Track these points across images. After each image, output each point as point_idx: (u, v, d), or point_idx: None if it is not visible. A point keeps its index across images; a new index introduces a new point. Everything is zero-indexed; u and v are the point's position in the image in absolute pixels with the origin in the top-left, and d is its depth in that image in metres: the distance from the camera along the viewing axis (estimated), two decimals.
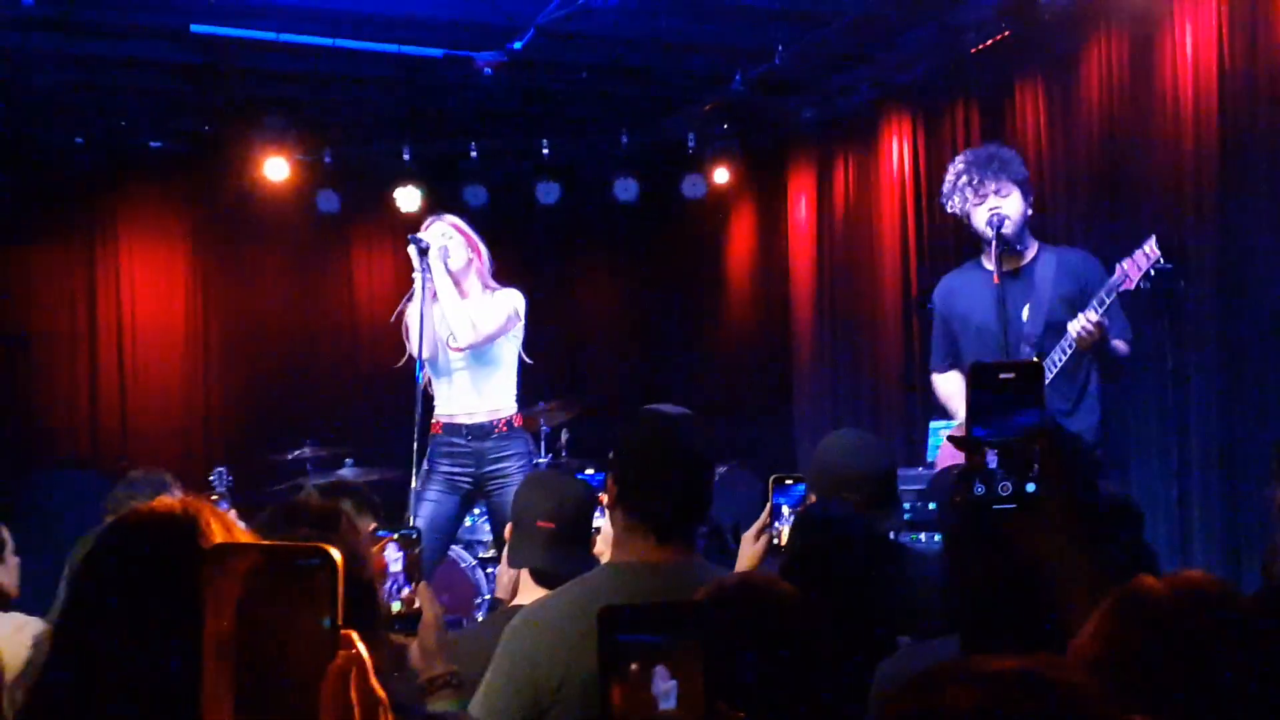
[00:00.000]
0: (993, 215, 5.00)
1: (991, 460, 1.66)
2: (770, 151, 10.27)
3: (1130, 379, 6.48)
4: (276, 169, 9.38)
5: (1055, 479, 1.67)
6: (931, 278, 8.34)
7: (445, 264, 5.78)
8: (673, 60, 8.67)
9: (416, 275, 5.85)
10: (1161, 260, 4.79)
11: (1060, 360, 4.90)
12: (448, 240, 5.87)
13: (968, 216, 5.13)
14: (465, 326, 5.74)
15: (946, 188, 5.21)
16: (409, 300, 5.89)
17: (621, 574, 2.78)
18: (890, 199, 8.88)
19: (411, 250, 5.84)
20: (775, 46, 7.79)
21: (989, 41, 7.59)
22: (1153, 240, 4.84)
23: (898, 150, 8.81)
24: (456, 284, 5.83)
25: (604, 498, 2.93)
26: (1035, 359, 4.80)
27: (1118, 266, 4.87)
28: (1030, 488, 1.65)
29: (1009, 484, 1.65)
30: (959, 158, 5.28)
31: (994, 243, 4.98)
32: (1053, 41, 7.26)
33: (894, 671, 2.58)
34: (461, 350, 5.83)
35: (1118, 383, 5.42)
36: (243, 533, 1.82)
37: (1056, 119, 7.27)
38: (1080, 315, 4.78)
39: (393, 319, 6.05)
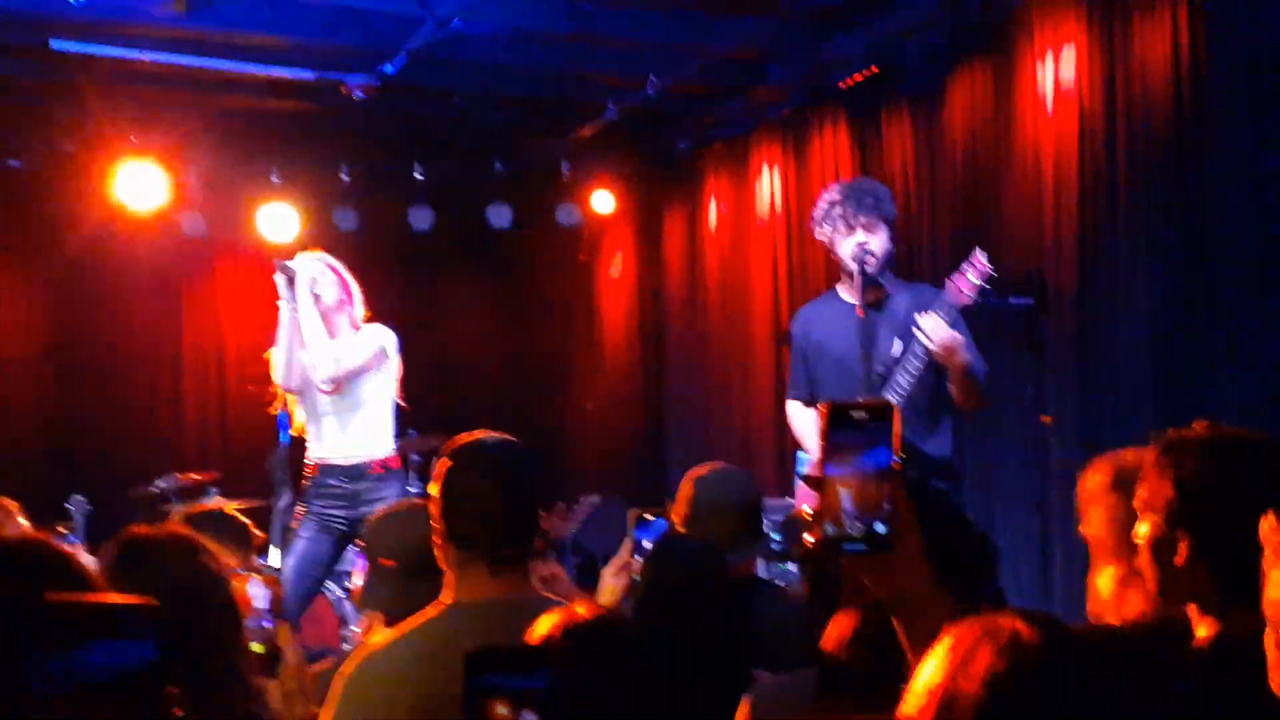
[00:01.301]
0: (859, 249, 5.06)
1: (845, 500, 1.66)
2: (644, 180, 10.31)
3: (992, 411, 6.60)
4: (139, 188, 9.15)
5: (905, 520, 1.67)
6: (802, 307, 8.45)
7: (314, 295, 5.67)
8: (547, 87, 8.67)
9: (282, 305, 5.73)
10: (992, 270, 4.85)
11: (914, 370, 4.89)
12: (319, 275, 5.76)
13: (833, 245, 5.19)
14: (327, 361, 5.62)
15: (818, 214, 5.26)
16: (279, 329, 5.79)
17: (463, 615, 2.70)
18: (762, 230, 8.96)
19: (278, 279, 5.73)
20: (648, 77, 7.82)
21: (858, 76, 7.71)
22: (978, 251, 4.91)
23: (769, 182, 8.89)
24: (325, 319, 5.72)
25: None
26: (888, 398, 4.83)
27: (948, 282, 4.93)
28: (880, 528, 1.65)
29: (860, 524, 1.65)
30: (835, 187, 5.36)
31: (858, 277, 5.05)
32: (919, 77, 7.38)
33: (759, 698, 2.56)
34: (325, 387, 5.71)
35: (975, 411, 5.47)
36: (88, 569, 1.77)
37: (922, 153, 7.39)
38: (927, 315, 4.81)
39: (265, 355, 5.91)
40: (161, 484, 8.07)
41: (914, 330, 4.86)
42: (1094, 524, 2.80)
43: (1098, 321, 6.17)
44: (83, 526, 7.44)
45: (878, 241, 5.12)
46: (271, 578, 2.80)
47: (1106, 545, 2.70)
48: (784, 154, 8.74)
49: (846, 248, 5.11)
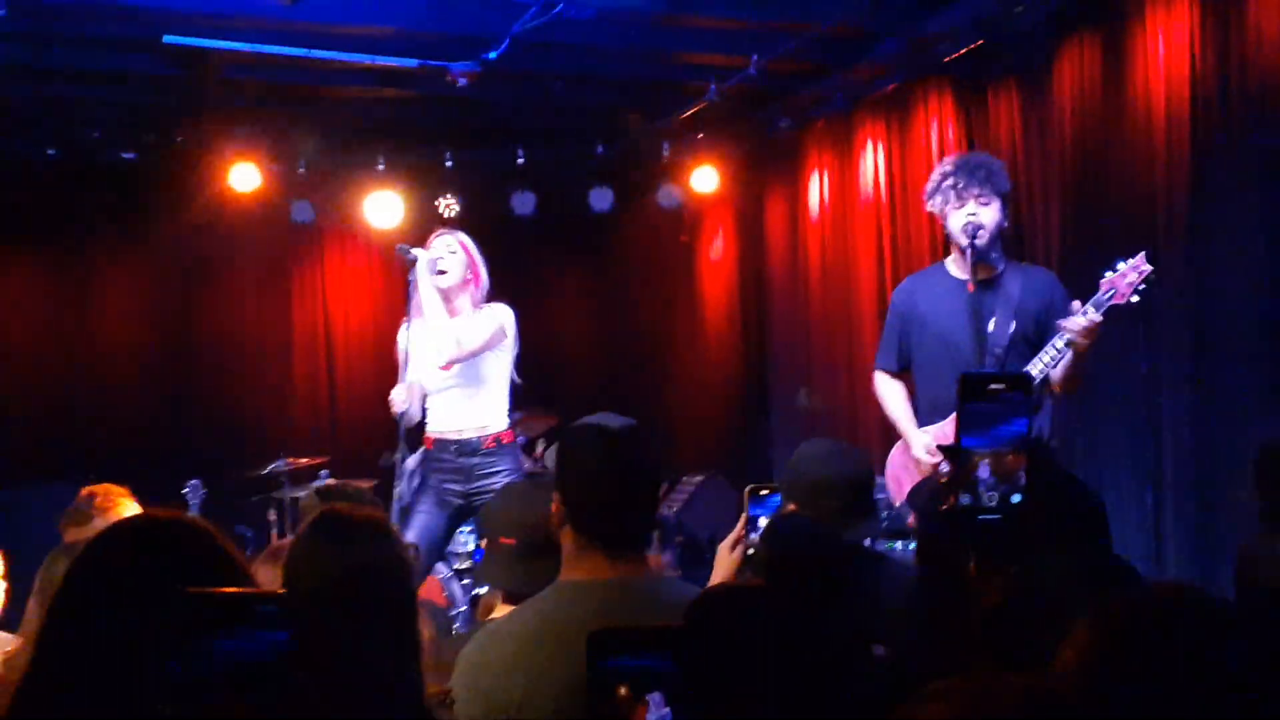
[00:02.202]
0: (970, 222, 5.01)
1: (984, 471, 1.65)
2: (746, 161, 10.28)
3: (1104, 382, 6.51)
4: (249, 179, 9.34)
5: (1042, 491, 1.66)
6: None
7: (439, 273, 5.76)
8: (648, 70, 8.68)
9: (411, 285, 5.83)
10: (1153, 275, 4.80)
11: (1051, 361, 4.87)
12: (450, 253, 5.85)
13: (945, 217, 5.14)
14: (449, 342, 5.71)
15: (930, 186, 5.23)
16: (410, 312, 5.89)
17: (577, 593, 2.73)
18: (866, 208, 8.90)
19: (407, 261, 5.82)
20: (750, 57, 7.79)
21: (963, 50, 7.61)
22: (1142, 256, 4.83)
23: (873, 159, 8.83)
24: (446, 300, 5.80)
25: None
26: (1006, 368, 4.80)
27: (1104, 280, 4.86)
28: (1015, 499, 1.64)
29: (995, 494, 1.64)
30: (948, 159, 5.33)
31: (968, 251, 5.00)
32: (1026, 50, 7.28)
33: None
34: (446, 367, 5.81)
35: (1073, 395, 5.43)
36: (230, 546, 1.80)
37: (1030, 127, 7.29)
38: (1079, 316, 4.75)
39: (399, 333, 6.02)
40: (274, 468, 8.23)
41: (1059, 325, 4.80)
42: None
43: (1210, 293, 6.06)
44: (198, 511, 7.61)
45: (989, 214, 5.08)
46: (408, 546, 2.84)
47: None
48: (887, 131, 8.67)
49: (957, 221, 5.08)
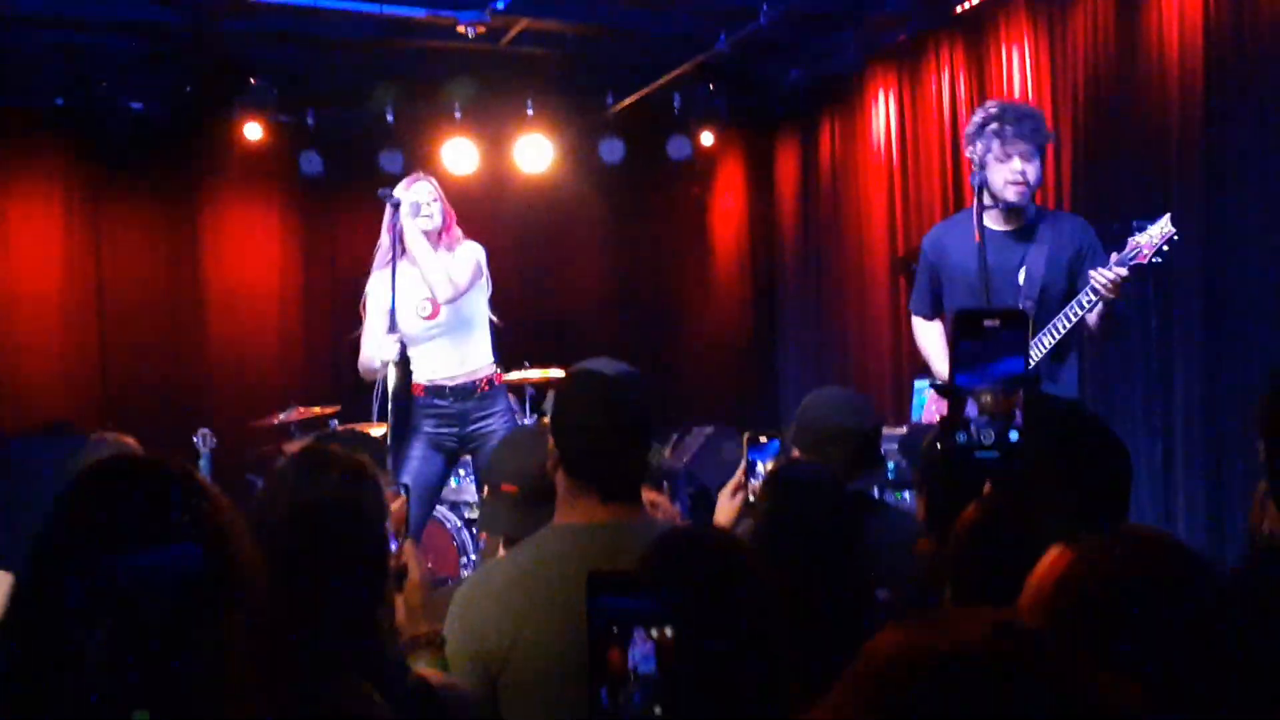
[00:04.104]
0: (1019, 178, 4.90)
1: (972, 409, 1.65)
2: (756, 113, 10.23)
3: (1116, 339, 6.49)
4: (258, 130, 9.31)
5: (1038, 427, 1.66)
6: (918, 237, 8.36)
7: (417, 221, 5.73)
8: (657, 21, 8.62)
9: (383, 235, 5.81)
10: (1175, 235, 4.72)
11: (1076, 315, 4.81)
12: (430, 200, 5.83)
13: (984, 164, 5.01)
14: (444, 282, 5.70)
15: (972, 130, 4.99)
16: (369, 314, 5.86)
17: (568, 535, 2.73)
18: (876, 159, 8.86)
19: (386, 205, 5.79)
20: (760, 7, 7.73)
21: (975, 1, 7.55)
22: (1167, 218, 4.76)
23: (884, 110, 8.78)
24: (430, 244, 5.79)
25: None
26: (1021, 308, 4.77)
27: (1130, 240, 4.79)
28: (1013, 436, 1.64)
29: (991, 432, 1.63)
30: (992, 104, 5.12)
31: (1006, 206, 4.92)
32: (1038, 1, 7.23)
33: None
34: (443, 306, 5.79)
35: (1115, 341, 5.38)
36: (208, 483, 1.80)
37: (1043, 78, 7.24)
38: (1103, 270, 4.70)
39: (367, 283, 5.99)
40: (283, 417, 8.24)
41: (1090, 276, 4.74)
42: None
43: (1223, 247, 6.03)
44: (208, 460, 7.63)
45: (1034, 170, 4.95)
46: (397, 496, 2.85)
47: None
48: (899, 82, 8.62)
49: (1000, 174, 4.92)
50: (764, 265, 10.46)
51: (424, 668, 2.55)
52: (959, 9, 7.71)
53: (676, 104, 9.80)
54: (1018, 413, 1.63)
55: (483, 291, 5.97)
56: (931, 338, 5.33)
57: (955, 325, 1.66)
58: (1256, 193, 5.87)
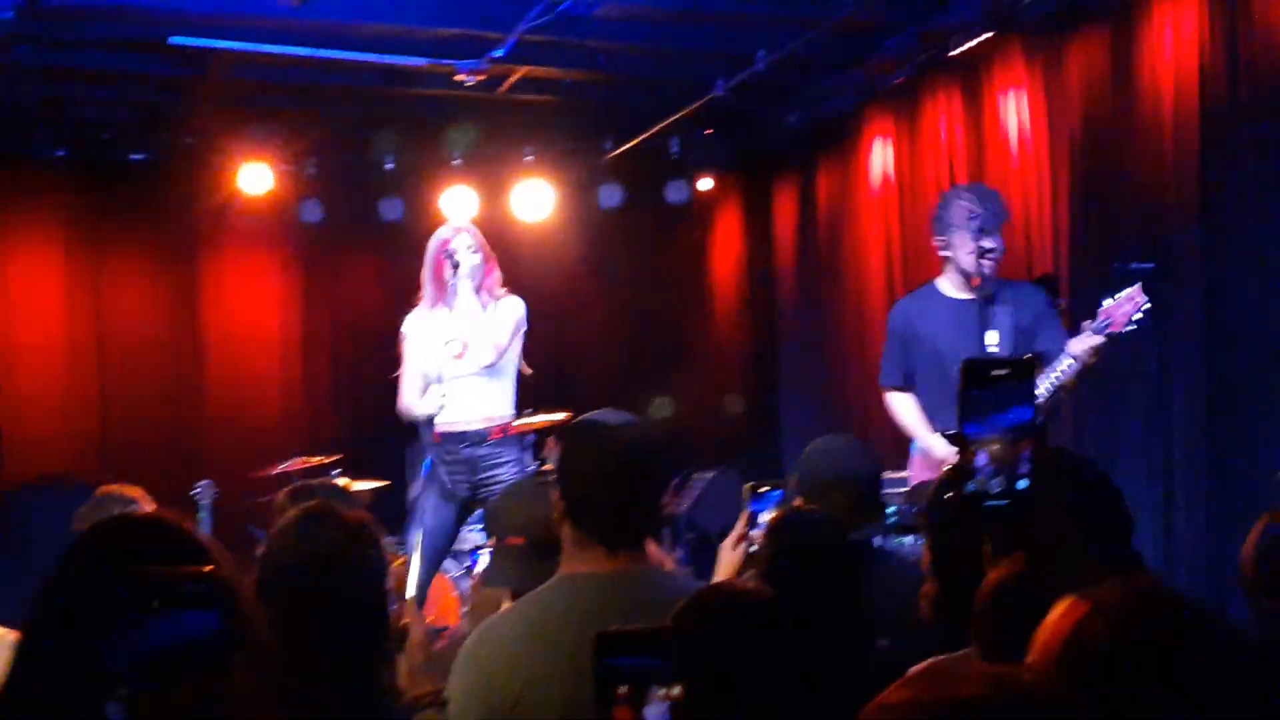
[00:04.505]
0: (988, 253, 5.37)
1: (982, 458, 1.65)
2: (754, 156, 10.27)
3: (1116, 377, 6.49)
4: (259, 179, 9.35)
5: (1047, 477, 1.66)
6: (916, 279, 8.38)
7: (469, 275, 5.85)
8: (655, 66, 8.67)
9: (428, 286, 5.91)
10: (1149, 306, 5.05)
11: (1060, 377, 5.14)
12: (470, 253, 5.92)
13: (951, 246, 5.39)
14: (488, 346, 5.82)
15: (949, 217, 5.46)
16: (406, 357, 5.96)
17: (575, 586, 2.73)
18: (874, 202, 8.89)
19: (431, 261, 5.91)
20: (757, 52, 7.78)
21: (972, 43, 7.59)
22: (1139, 287, 5.07)
23: (881, 154, 8.82)
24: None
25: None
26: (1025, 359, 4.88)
27: (1101, 308, 5.10)
28: (1021, 485, 1.64)
29: (1000, 480, 1.64)
30: (964, 195, 5.54)
31: (977, 278, 5.31)
32: (1034, 43, 7.27)
33: None
34: (479, 364, 5.87)
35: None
36: (208, 543, 1.80)
37: (1039, 118, 7.27)
38: (1082, 339, 5.07)
39: (404, 325, 6.07)
40: (284, 467, 8.23)
41: (1068, 345, 5.11)
42: None
43: (1223, 285, 6.04)
44: (209, 512, 7.61)
45: (999, 243, 5.40)
46: (396, 556, 2.84)
47: None
48: (896, 125, 8.66)
49: (967, 249, 5.32)
50: (763, 309, 10.47)
51: None
52: (955, 52, 7.75)
53: (674, 149, 9.85)
54: (1025, 462, 1.63)
55: (517, 345, 6.05)
56: (908, 407, 5.70)
57: (964, 374, 1.67)
58: (1254, 232, 5.88)
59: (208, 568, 1.29)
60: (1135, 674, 1.34)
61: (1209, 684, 1.37)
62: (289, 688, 1.70)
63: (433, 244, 5.96)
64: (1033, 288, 5.68)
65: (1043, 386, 5.08)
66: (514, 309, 6.01)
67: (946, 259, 5.54)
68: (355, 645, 2.17)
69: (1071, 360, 5.09)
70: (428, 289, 5.95)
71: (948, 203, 5.47)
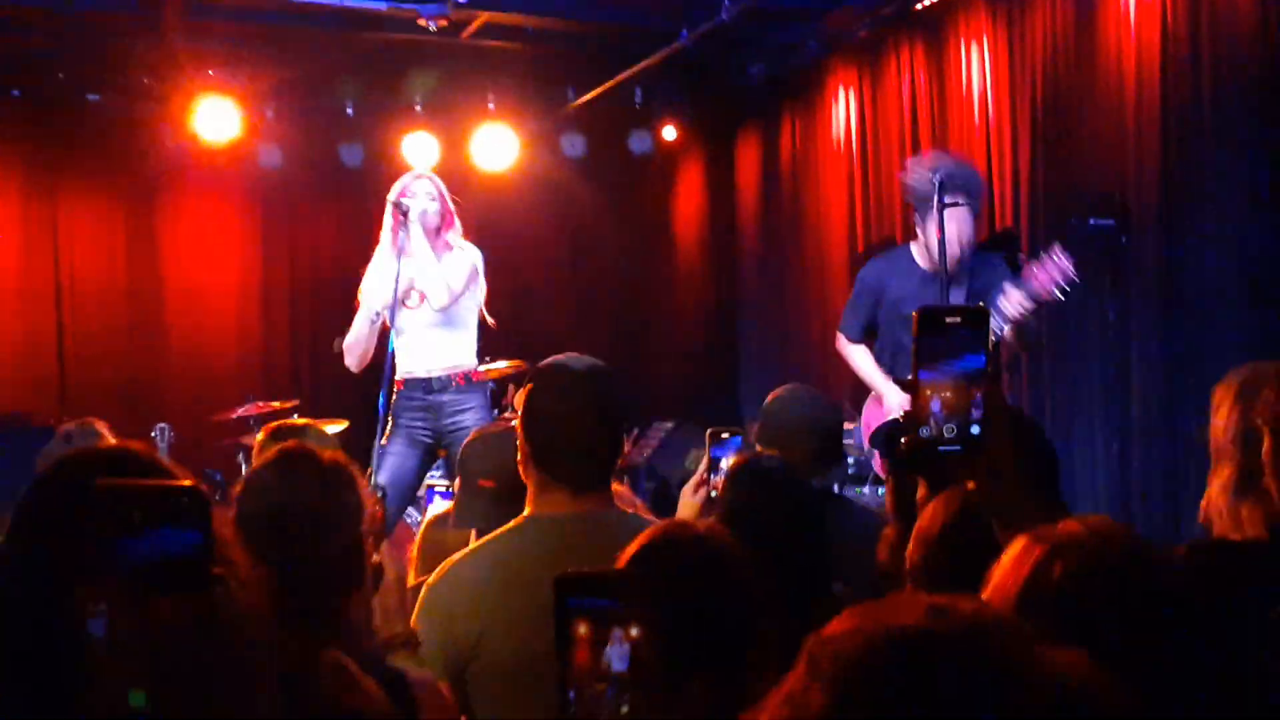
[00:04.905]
0: (955, 234, 5.37)
1: (935, 404, 1.67)
2: (717, 108, 10.25)
3: (1074, 335, 6.55)
4: (219, 120, 9.24)
5: (998, 421, 1.68)
6: (878, 233, 8.41)
7: (422, 223, 5.81)
8: (620, 15, 8.62)
9: (386, 233, 5.87)
10: (1072, 271, 5.10)
11: (994, 334, 5.23)
12: (429, 200, 5.89)
13: (919, 214, 5.46)
14: (441, 288, 5.79)
15: (916, 184, 5.53)
16: (378, 258, 5.93)
17: (540, 527, 2.75)
18: (837, 155, 8.90)
19: (389, 210, 5.86)
20: (722, 1, 7.74)
21: None
22: (1058, 247, 5.14)
23: (844, 105, 8.82)
24: (430, 245, 5.85)
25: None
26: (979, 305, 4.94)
27: (1029, 270, 5.18)
28: (974, 430, 1.66)
29: (954, 426, 1.66)
30: (938, 166, 5.50)
31: (939, 253, 5.30)
32: None
33: None
34: (438, 310, 5.85)
35: (1032, 351, 6.05)
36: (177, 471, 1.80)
37: (1002, 74, 7.28)
38: (1008, 296, 5.15)
39: (363, 278, 6.02)
40: (241, 412, 8.21)
41: (996, 301, 5.18)
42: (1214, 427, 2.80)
43: (1181, 242, 6.09)
44: (166, 455, 7.58)
45: (969, 224, 5.47)
46: (374, 497, 2.84)
47: (1217, 449, 2.71)
48: (859, 78, 8.66)
49: (932, 224, 5.36)
50: (726, 260, 10.49)
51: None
52: (919, 5, 7.75)
53: (638, 99, 9.81)
54: (978, 407, 1.65)
55: (476, 292, 6.03)
56: (860, 357, 5.86)
57: (918, 322, 1.69)
58: (1213, 189, 5.93)
59: (190, 482, 1.28)
60: (1098, 611, 1.36)
61: (1166, 617, 1.39)
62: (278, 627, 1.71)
63: (392, 193, 5.93)
64: (995, 256, 5.79)
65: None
66: (470, 256, 5.99)
67: (919, 231, 5.64)
68: (329, 586, 2.18)
69: (999, 318, 5.18)
70: (384, 236, 5.92)
71: (925, 180, 5.47)
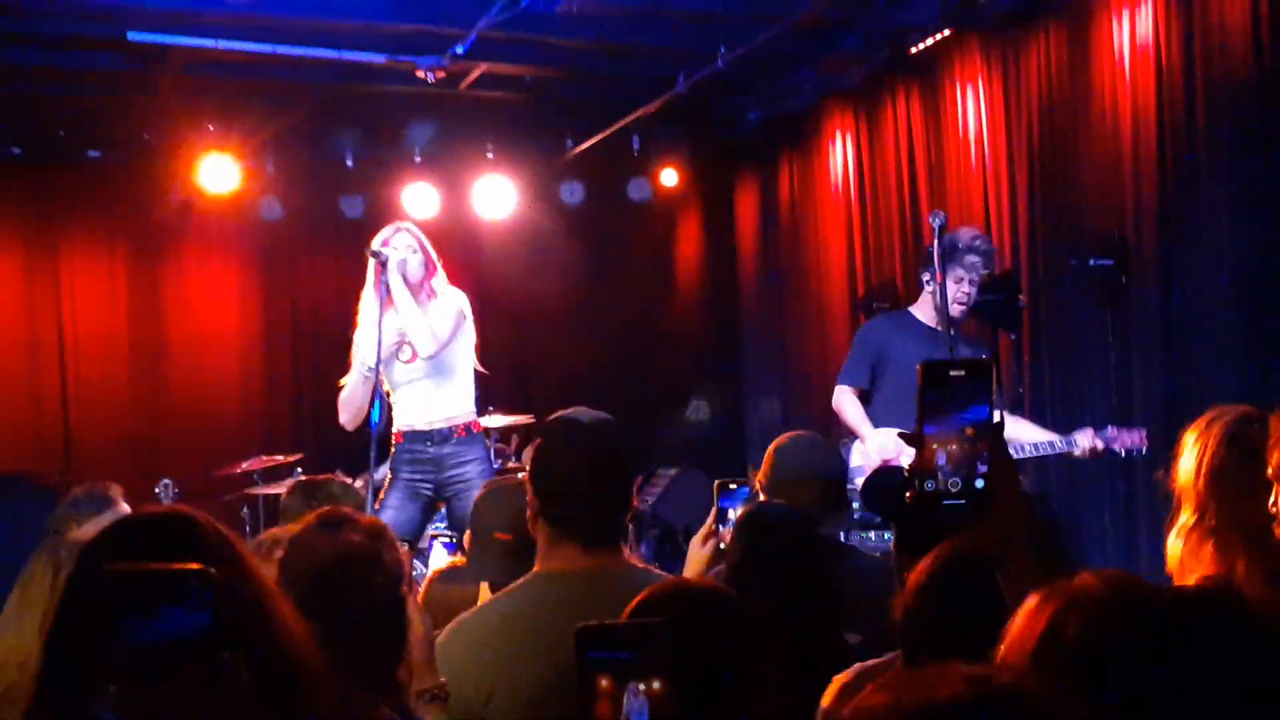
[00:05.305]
0: (966, 298, 5.63)
1: (940, 458, 1.67)
2: (715, 153, 10.29)
3: (1076, 375, 6.54)
4: (219, 175, 9.27)
5: (1003, 476, 1.67)
6: (877, 274, 8.42)
7: (404, 276, 5.78)
8: (617, 63, 8.67)
9: (369, 287, 5.85)
10: (1145, 447, 5.45)
11: (1049, 449, 5.58)
12: (410, 253, 5.87)
13: (940, 277, 5.41)
14: (426, 337, 5.75)
15: (948, 254, 5.50)
16: (363, 311, 5.91)
17: (550, 583, 2.73)
18: (835, 198, 8.93)
19: (370, 261, 5.84)
20: (718, 48, 7.79)
21: (930, 40, 7.64)
22: (1144, 435, 5.49)
23: (841, 149, 8.86)
24: (413, 295, 5.83)
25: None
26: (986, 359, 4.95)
27: (1111, 428, 5.52)
28: (979, 484, 1.66)
29: (958, 480, 1.65)
30: (975, 240, 5.71)
31: (945, 317, 5.40)
32: (993, 40, 7.31)
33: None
34: (428, 359, 5.83)
35: None
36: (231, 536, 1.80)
37: (998, 116, 7.32)
38: (1089, 437, 5.47)
39: (354, 334, 6.00)
40: (246, 465, 8.19)
41: (1075, 438, 5.51)
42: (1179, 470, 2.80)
43: (1180, 281, 6.09)
44: None
45: (974, 291, 5.66)
46: (407, 553, 2.85)
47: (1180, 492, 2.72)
48: (856, 122, 8.69)
49: (952, 289, 5.53)
50: (727, 305, 10.50)
51: None
52: (914, 49, 7.79)
53: (636, 146, 9.85)
54: (983, 461, 1.65)
55: (467, 340, 6.01)
56: (854, 404, 5.91)
57: (923, 375, 1.69)
58: (1211, 225, 5.93)
59: (197, 565, 1.28)
60: (1117, 668, 1.35)
61: (1193, 674, 1.38)
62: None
63: (372, 244, 5.90)
64: (995, 300, 6.06)
65: (1032, 440, 5.55)
66: (455, 301, 5.95)
67: (927, 291, 5.71)
68: (375, 645, 2.21)
69: (1074, 447, 5.50)
70: (367, 296, 5.88)
71: (954, 245, 5.58)
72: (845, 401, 5.94)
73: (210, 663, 1.25)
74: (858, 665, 2.69)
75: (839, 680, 2.57)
